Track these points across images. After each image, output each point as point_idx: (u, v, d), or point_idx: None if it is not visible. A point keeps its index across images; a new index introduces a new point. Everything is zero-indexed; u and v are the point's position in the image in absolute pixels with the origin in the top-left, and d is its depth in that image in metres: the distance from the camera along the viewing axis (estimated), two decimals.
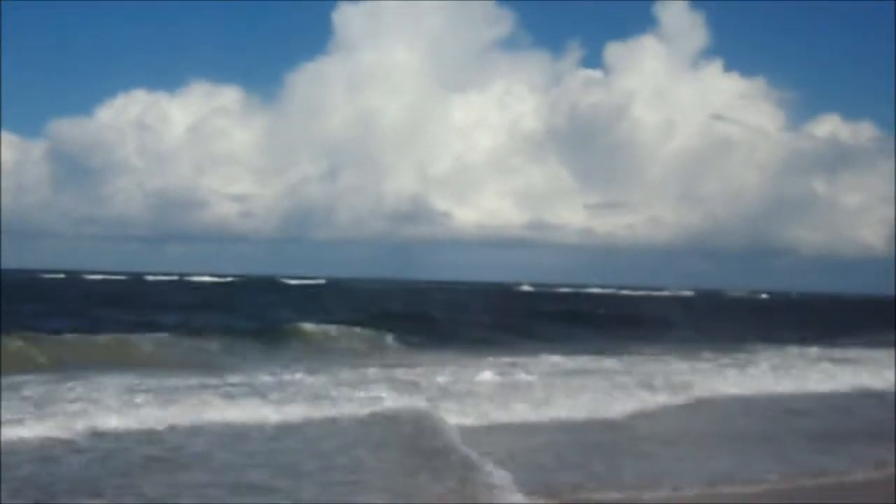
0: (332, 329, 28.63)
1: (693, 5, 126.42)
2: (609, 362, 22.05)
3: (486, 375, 17.99)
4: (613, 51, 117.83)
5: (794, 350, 27.92)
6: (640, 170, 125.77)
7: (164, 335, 24.07)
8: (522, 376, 18.26)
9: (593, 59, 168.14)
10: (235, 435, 11.35)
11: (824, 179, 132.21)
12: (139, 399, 13.32)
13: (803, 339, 31.83)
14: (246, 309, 43.65)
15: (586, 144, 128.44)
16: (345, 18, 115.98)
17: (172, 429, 11.37)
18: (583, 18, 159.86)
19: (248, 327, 30.21)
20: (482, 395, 15.54)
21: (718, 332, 35.66)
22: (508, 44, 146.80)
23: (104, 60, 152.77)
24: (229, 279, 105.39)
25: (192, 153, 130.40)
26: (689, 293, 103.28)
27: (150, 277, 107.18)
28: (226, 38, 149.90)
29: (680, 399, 16.15)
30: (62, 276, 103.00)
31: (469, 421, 12.97)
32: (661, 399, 15.93)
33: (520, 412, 13.97)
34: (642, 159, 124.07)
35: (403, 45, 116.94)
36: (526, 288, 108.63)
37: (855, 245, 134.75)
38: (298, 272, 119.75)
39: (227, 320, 33.69)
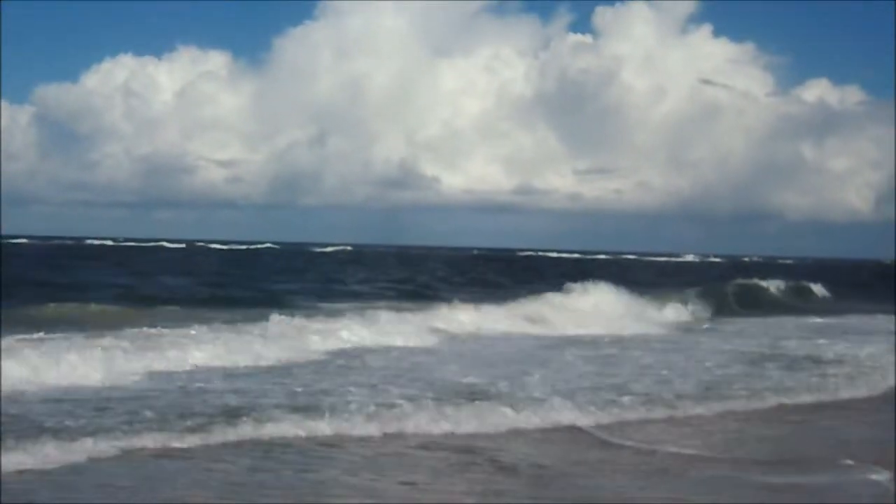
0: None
1: None
2: None
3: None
4: (602, 15, 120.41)
5: None
6: (628, 135, 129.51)
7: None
8: None
9: (582, 24, 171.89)
10: None
11: (812, 144, 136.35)
12: None
13: None
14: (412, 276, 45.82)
15: (575, 109, 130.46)
16: None
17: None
18: None
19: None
20: None
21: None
22: (497, 9, 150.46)
23: (91, 25, 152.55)
24: (261, 246, 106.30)
25: (179, 119, 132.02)
26: (716, 259, 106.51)
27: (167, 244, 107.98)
28: (213, 2, 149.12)
29: None
30: (99, 241, 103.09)
31: None
32: None
33: None
34: (631, 124, 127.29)
35: (392, 11, 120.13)
36: (553, 254, 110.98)
37: (842, 209, 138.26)
38: (287, 238, 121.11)
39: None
